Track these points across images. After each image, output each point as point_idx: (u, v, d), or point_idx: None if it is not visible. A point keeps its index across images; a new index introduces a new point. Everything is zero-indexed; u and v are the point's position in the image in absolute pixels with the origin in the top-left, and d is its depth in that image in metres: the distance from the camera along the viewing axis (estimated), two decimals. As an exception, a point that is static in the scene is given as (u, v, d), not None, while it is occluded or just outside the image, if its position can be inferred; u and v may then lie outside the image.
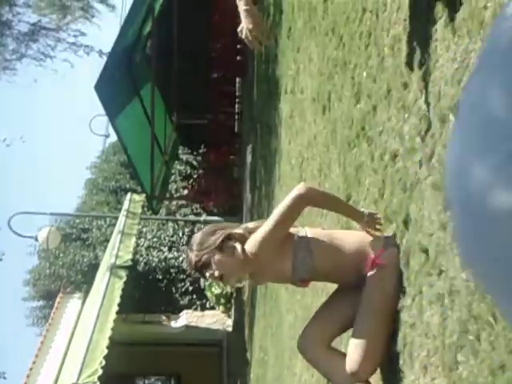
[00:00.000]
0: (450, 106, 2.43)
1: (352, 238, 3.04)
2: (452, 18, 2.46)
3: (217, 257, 2.93)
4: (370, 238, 3.02)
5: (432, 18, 2.69)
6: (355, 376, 2.84)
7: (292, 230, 3.01)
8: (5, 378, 12.81)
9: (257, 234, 2.93)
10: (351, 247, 2.97)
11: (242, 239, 2.97)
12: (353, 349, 2.85)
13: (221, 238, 2.95)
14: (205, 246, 2.94)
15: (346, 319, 3.02)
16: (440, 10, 2.60)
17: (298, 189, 2.90)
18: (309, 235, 2.99)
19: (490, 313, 1.99)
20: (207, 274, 2.98)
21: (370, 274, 2.88)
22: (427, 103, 2.70)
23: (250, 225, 3.07)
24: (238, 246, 2.95)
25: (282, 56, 8.43)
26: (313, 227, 3.18)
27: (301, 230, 3.03)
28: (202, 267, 2.97)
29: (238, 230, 3.01)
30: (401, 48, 3.17)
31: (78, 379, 7.49)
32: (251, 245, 2.92)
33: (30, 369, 12.88)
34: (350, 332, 3.06)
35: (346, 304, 3.01)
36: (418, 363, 2.63)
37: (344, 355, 2.95)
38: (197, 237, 3.03)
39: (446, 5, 2.53)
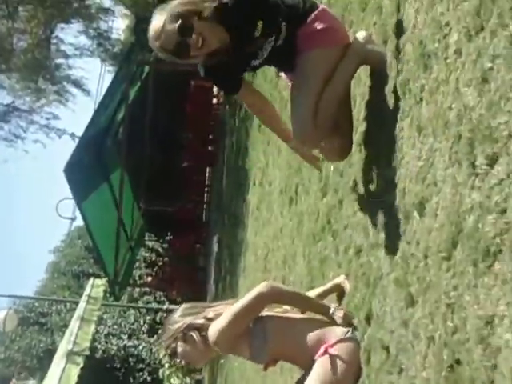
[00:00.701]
0: (415, 203, 2.44)
1: (311, 324, 2.99)
2: (418, 118, 2.50)
3: (179, 347, 3.03)
4: (331, 327, 2.97)
5: (399, 116, 2.74)
6: None
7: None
8: None
9: (216, 324, 2.95)
10: (308, 334, 2.93)
11: (203, 327, 3.01)
12: None
13: (181, 329, 3.03)
14: (168, 336, 3.06)
15: None
16: (406, 109, 2.65)
17: (261, 287, 2.92)
18: (264, 320, 2.97)
19: (450, 414, 1.95)
20: (177, 362, 3.15)
21: (318, 360, 2.83)
22: (392, 200, 2.72)
23: (211, 313, 3.05)
24: (197, 336, 3.01)
25: (252, 148, 8.53)
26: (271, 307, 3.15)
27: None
28: (171, 356, 3.10)
29: (198, 320, 3.05)
30: (367, 144, 3.21)
31: None
32: (210, 335, 2.95)
33: None
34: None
35: None
36: None
37: None
38: (166, 323, 3.17)
39: (413, 104, 2.58)
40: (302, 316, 3.11)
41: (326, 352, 2.83)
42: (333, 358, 2.81)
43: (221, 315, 2.98)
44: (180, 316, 3.09)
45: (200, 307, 3.16)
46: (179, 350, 3.03)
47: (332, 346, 2.84)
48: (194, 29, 2.81)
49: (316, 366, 2.83)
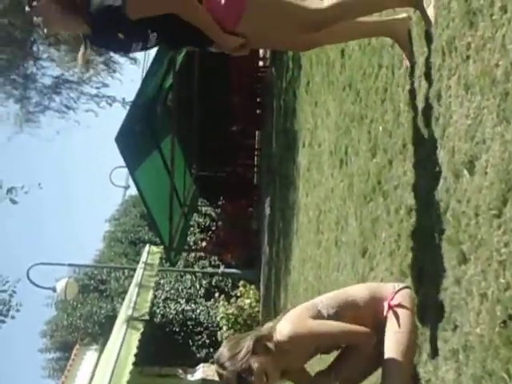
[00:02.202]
0: (464, 162, 2.45)
1: (364, 290, 3.07)
2: (465, 76, 2.50)
3: (254, 360, 2.92)
4: (381, 287, 3.04)
5: (446, 74, 2.73)
6: None
7: (310, 305, 3.04)
8: None
9: (299, 326, 2.93)
10: (367, 299, 3.00)
11: (269, 336, 2.97)
12: None
13: (252, 342, 2.94)
14: (240, 357, 2.93)
15: (364, 370, 3.05)
16: (453, 67, 2.64)
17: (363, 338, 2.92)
18: (330, 303, 3.01)
19: (504, 369, 1.98)
20: (252, 380, 2.91)
21: (388, 317, 2.90)
22: (441, 158, 2.73)
23: (265, 329, 3.05)
24: (270, 344, 2.95)
25: (301, 110, 8.51)
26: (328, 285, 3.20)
27: (318, 302, 3.05)
28: (243, 377, 2.93)
29: (263, 331, 3.01)
30: (416, 104, 3.21)
31: (92, 433, 7.41)
32: (290, 331, 2.92)
33: (45, 421, 12.78)
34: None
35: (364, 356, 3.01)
36: (433, 420, 2.60)
37: None
38: (224, 355, 2.99)
39: (460, 62, 2.57)
40: (353, 286, 3.19)
41: (390, 307, 2.90)
42: (399, 308, 2.88)
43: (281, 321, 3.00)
44: (235, 340, 3.02)
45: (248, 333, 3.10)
46: (254, 361, 2.89)
47: (392, 299, 2.91)
48: None
49: (388, 323, 2.90)
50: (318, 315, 2.98)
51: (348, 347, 3.02)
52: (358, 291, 3.08)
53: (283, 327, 2.95)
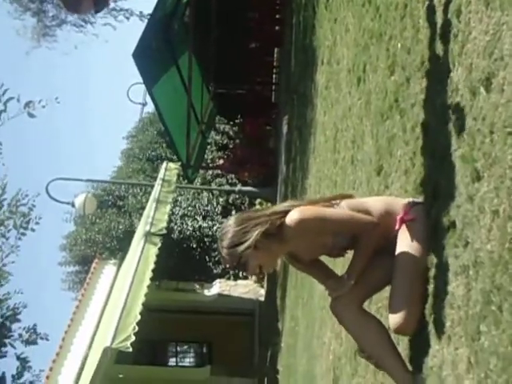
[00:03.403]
0: (481, 79, 2.43)
1: (380, 202, 3.13)
2: (485, -10, 2.45)
3: (253, 256, 2.98)
4: (396, 201, 3.09)
5: (466, -11, 2.68)
6: (401, 331, 2.91)
7: (328, 204, 3.12)
8: (47, 339, 13.00)
9: (312, 209, 3.03)
10: (381, 211, 3.06)
11: (279, 221, 3.02)
12: (396, 305, 2.89)
13: (256, 238, 2.97)
14: (240, 249, 2.97)
15: (377, 281, 3.12)
16: (474, -18, 2.59)
17: (369, 227, 3.00)
18: (345, 208, 3.08)
19: (512, 284, 2.02)
20: (247, 269, 3.04)
21: (400, 230, 2.96)
22: (459, 76, 2.70)
23: (278, 214, 3.08)
24: (274, 241, 3.01)
25: (320, 27, 8.39)
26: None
27: (334, 204, 3.11)
28: (238, 266, 3.04)
29: (274, 221, 3.02)
30: (435, 20, 3.16)
31: (111, 343, 7.63)
32: (301, 212, 3.00)
33: (66, 332, 13.14)
34: (382, 293, 3.20)
35: (376, 266, 3.08)
36: (442, 333, 2.66)
37: (374, 317, 3.10)
38: (228, 233, 3.03)
39: (481, -24, 2.52)
40: (370, 197, 3.24)
41: (402, 221, 2.97)
42: (412, 223, 2.95)
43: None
44: (246, 224, 3.02)
45: (261, 212, 3.13)
46: (252, 257, 2.97)
47: (406, 213, 2.95)
48: None
49: (400, 237, 2.97)
50: None
51: (357, 248, 3.09)
52: (374, 202, 3.15)
53: (293, 213, 3.01)
